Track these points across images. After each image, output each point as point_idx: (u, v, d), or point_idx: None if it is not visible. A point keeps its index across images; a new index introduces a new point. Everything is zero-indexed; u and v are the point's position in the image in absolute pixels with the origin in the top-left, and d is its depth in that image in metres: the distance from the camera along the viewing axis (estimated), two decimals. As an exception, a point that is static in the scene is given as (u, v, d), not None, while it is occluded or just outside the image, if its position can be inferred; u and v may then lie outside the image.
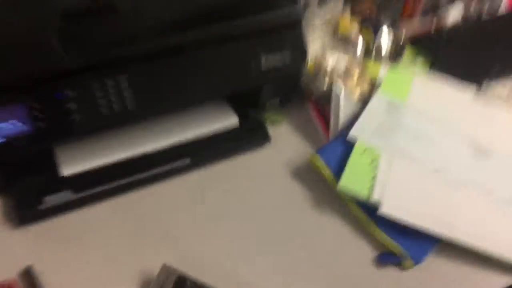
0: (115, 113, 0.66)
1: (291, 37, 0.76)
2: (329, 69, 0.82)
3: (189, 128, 0.77)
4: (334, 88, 0.80)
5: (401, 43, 0.97)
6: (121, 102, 0.66)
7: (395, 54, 0.96)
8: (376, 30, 0.97)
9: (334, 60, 0.83)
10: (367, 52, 0.95)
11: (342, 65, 0.83)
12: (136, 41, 0.68)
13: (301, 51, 0.77)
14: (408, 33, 1.00)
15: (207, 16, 0.71)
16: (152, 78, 0.68)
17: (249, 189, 0.74)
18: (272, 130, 0.81)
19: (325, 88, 0.82)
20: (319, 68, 0.83)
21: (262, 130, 0.81)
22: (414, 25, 1.04)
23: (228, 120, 0.80)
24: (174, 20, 0.71)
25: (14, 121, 0.61)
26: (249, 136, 0.80)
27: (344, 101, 0.80)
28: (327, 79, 0.82)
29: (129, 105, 0.67)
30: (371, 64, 0.89)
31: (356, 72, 0.83)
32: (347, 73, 0.83)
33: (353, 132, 0.76)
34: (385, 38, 0.96)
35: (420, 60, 0.97)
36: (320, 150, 0.75)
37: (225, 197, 0.73)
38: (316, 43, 0.84)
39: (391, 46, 0.96)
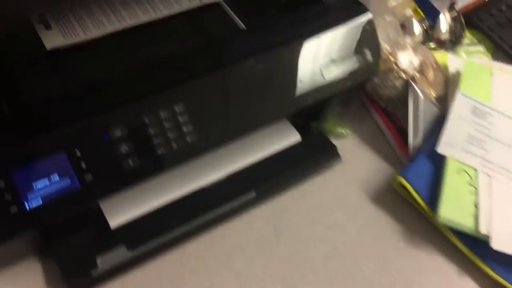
0: (174, 150, 0.53)
1: (363, 37, 0.64)
2: (401, 65, 0.70)
3: (246, 153, 0.65)
4: (410, 89, 0.69)
5: (459, 25, 0.86)
6: (181, 136, 0.54)
7: (455, 39, 0.85)
8: (427, 11, 0.85)
9: (406, 54, 0.70)
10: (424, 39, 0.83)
11: (415, 60, 0.71)
12: (191, 62, 0.56)
13: (374, 51, 0.65)
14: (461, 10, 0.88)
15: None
16: (214, 102, 0.55)
17: (327, 220, 0.63)
18: (337, 146, 0.70)
19: (396, 89, 0.70)
20: (388, 65, 0.71)
21: (329, 147, 0.70)
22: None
23: (290, 138, 0.68)
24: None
25: (53, 176, 0.48)
26: (315, 155, 0.68)
27: (424, 104, 0.69)
28: (399, 78, 0.70)
29: (189, 139, 0.54)
30: (437, 55, 0.77)
31: (432, 67, 0.72)
32: (421, 69, 0.71)
33: (442, 147, 0.65)
34: (444, 21, 0.84)
35: (482, 44, 0.86)
36: (404, 172, 0.64)
37: (302, 233, 0.62)
38: (382, 35, 0.72)
39: (449, 31, 0.85)
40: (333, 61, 0.62)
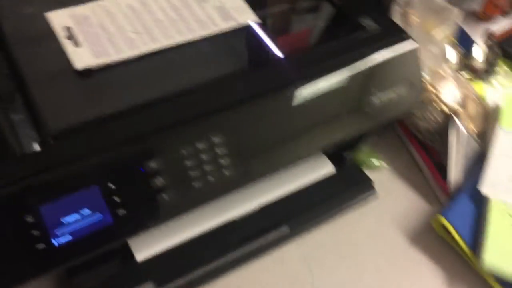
0: (211, 183, 0.50)
1: (406, 67, 0.61)
2: (443, 98, 0.67)
3: (279, 184, 0.62)
4: (452, 123, 0.65)
5: (494, 54, 0.83)
6: (218, 169, 0.50)
7: (489, 68, 0.82)
8: (460, 38, 0.82)
9: (448, 86, 0.67)
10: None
11: (457, 92, 0.68)
12: (229, 89, 0.52)
13: (417, 81, 0.62)
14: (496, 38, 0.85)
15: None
16: (253, 133, 0.52)
17: (363, 261, 0.60)
18: (373, 180, 0.66)
19: (436, 123, 0.67)
20: (429, 97, 0.67)
21: (364, 181, 0.66)
22: (500, 27, 0.89)
23: (323, 169, 0.65)
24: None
25: (83, 211, 0.45)
26: (350, 188, 0.65)
27: (465, 140, 0.65)
28: (439, 111, 0.67)
29: (227, 172, 0.50)
30: (474, 85, 0.74)
31: (473, 100, 0.68)
32: (463, 102, 0.68)
33: (485, 187, 0.62)
34: (478, 49, 0.81)
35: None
36: (445, 211, 0.61)
37: (337, 274, 0.58)
38: (423, 65, 0.68)
39: (485, 60, 0.82)
40: (373, 92, 0.58)
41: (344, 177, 0.65)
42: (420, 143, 0.70)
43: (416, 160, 0.70)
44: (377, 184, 0.66)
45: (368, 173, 0.67)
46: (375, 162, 0.68)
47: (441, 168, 0.67)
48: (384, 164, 0.69)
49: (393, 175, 0.69)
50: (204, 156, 0.49)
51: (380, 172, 0.69)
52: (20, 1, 0.59)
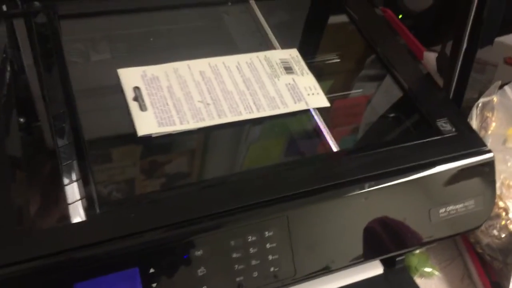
0: (254, 278, 0.47)
1: (480, 179, 0.57)
2: (511, 214, 0.62)
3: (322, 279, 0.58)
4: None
5: None
6: (264, 264, 0.47)
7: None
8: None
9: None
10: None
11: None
12: (288, 179, 0.50)
13: (489, 195, 0.57)
14: None
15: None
16: (310, 231, 0.49)
17: None
18: (421, 285, 0.62)
19: (500, 240, 0.63)
20: (495, 211, 0.63)
21: (410, 287, 0.62)
22: None
23: (371, 268, 0.61)
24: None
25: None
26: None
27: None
28: (506, 228, 0.62)
29: (273, 268, 0.48)
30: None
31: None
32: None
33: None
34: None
35: None
36: None
37: None
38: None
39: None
40: (442, 202, 0.55)
41: (390, 279, 0.61)
42: (479, 257, 0.65)
43: (471, 273, 0.65)
44: (424, 292, 0.61)
45: (417, 278, 0.63)
46: (428, 269, 0.64)
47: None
48: (435, 271, 0.65)
49: (443, 285, 0.64)
50: (252, 249, 0.47)
51: (430, 279, 0.64)
52: (94, 53, 0.59)
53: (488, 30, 0.61)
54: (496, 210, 0.63)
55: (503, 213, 0.62)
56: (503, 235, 0.62)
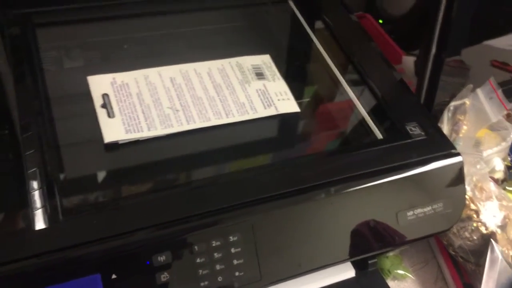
0: (219, 284, 0.47)
1: (449, 182, 0.57)
2: (483, 217, 0.63)
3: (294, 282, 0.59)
4: (490, 247, 0.61)
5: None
6: (230, 268, 0.48)
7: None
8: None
9: (490, 206, 0.63)
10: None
11: (499, 213, 0.63)
12: (256, 183, 0.50)
13: (458, 198, 0.58)
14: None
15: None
16: (276, 235, 0.49)
17: None
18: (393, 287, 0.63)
19: (471, 241, 0.63)
20: (467, 213, 0.63)
21: (382, 289, 0.62)
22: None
23: (343, 272, 0.61)
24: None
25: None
26: (369, 298, 0.61)
27: (501, 266, 0.61)
28: (477, 230, 0.62)
29: (238, 273, 0.48)
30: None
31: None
32: (504, 224, 0.63)
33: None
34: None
35: None
36: None
37: None
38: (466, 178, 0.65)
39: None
40: (410, 205, 0.55)
41: (362, 282, 0.61)
42: (452, 259, 0.66)
43: (444, 275, 0.66)
44: (398, 296, 0.62)
45: (390, 280, 0.63)
46: (401, 272, 0.64)
47: (470, 289, 0.62)
48: (408, 273, 0.65)
49: (416, 287, 0.65)
50: (217, 254, 0.47)
51: (403, 281, 0.65)
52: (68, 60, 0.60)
53: (456, 39, 0.62)
54: (467, 212, 0.63)
55: (475, 215, 0.63)
56: (475, 237, 0.63)
